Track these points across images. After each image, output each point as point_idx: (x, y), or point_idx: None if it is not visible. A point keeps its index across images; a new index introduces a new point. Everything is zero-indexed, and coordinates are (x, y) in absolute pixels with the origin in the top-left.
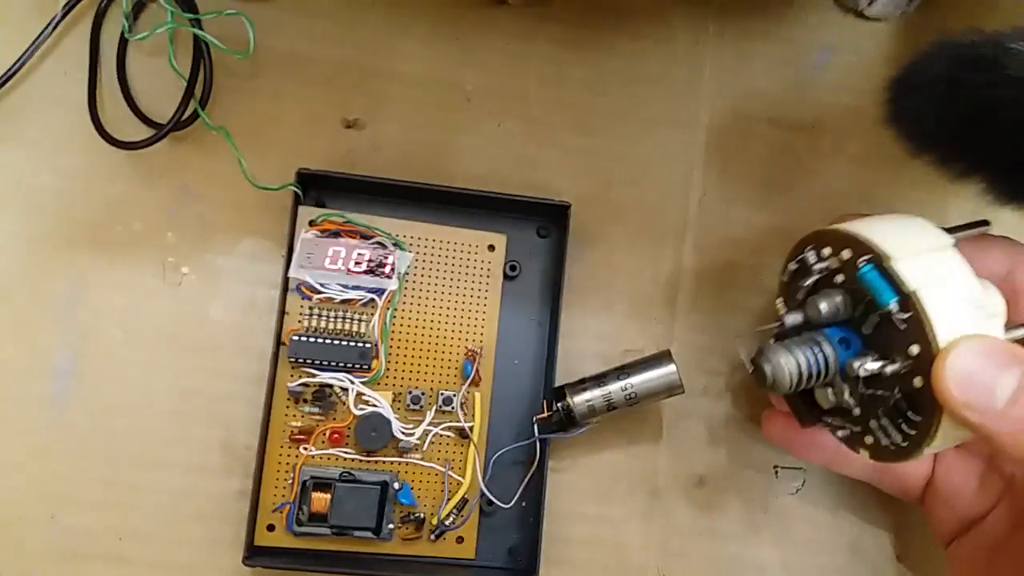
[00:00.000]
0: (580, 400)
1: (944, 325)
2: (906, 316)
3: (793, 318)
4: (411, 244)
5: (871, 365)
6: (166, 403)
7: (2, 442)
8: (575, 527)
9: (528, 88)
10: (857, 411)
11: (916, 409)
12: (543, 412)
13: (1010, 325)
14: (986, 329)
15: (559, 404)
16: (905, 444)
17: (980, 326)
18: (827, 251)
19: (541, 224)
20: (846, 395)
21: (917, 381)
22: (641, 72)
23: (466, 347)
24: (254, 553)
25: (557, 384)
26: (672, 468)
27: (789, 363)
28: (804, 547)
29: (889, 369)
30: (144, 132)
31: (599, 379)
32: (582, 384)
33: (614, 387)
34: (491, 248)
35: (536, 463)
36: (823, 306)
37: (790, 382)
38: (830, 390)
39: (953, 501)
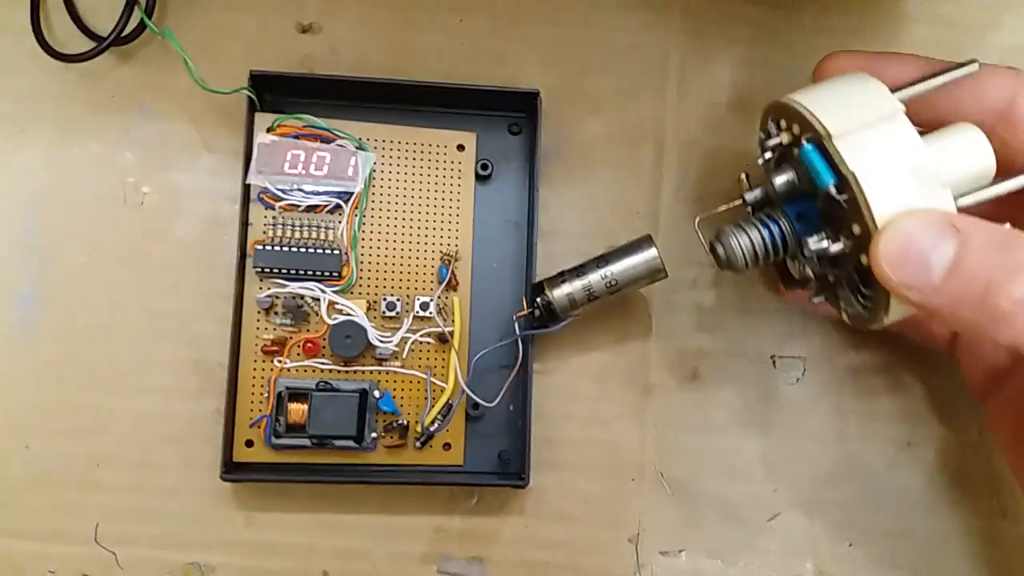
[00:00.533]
0: (560, 293)
1: (882, 204)
2: (845, 197)
3: (752, 195)
4: (376, 146)
5: (815, 245)
6: (135, 325)
7: None
8: (567, 429)
9: None
10: (822, 282)
11: (867, 284)
12: (524, 309)
13: (1002, 171)
14: (931, 202)
15: (539, 299)
16: (867, 314)
17: (924, 199)
18: (783, 123)
19: (512, 120)
20: (807, 269)
21: (863, 259)
22: None
23: (441, 251)
24: (232, 469)
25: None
26: (664, 363)
27: (743, 242)
28: (808, 438)
29: (834, 248)
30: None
31: (578, 270)
32: (561, 277)
33: (594, 276)
34: (460, 148)
35: (520, 362)
36: (778, 181)
37: (744, 261)
38: (794, 263)
39: (977, 349)
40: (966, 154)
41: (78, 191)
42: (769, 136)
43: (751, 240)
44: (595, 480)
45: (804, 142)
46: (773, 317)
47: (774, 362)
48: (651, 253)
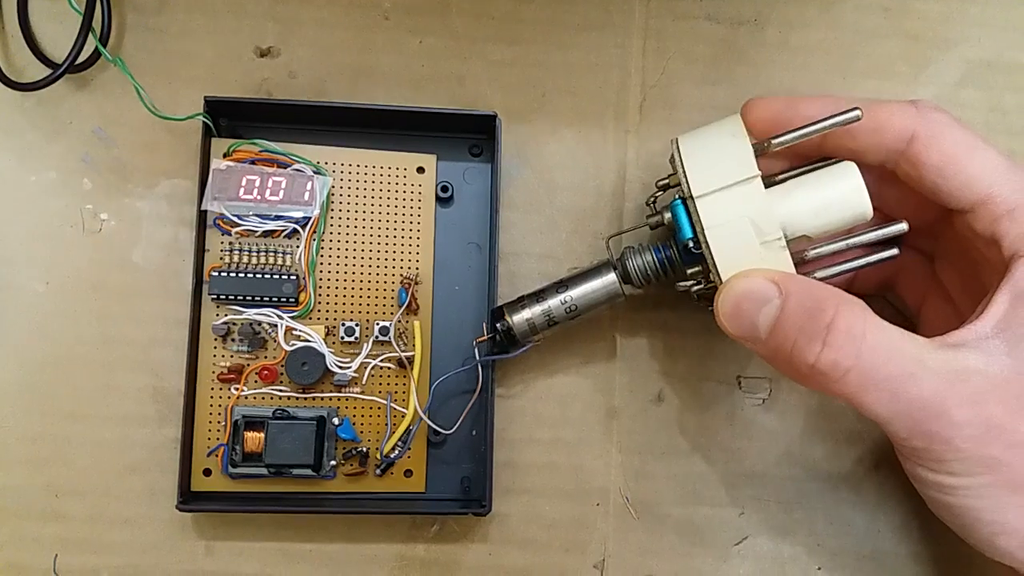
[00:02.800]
0: (519, 319)
1: (726, 262)
2: (699, 251)
3: (654, 219)
4: (334, 171)
5: (684, 283)
6: (93, 353)
7: None
8: (531, 453)
9: (449, 1)
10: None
11: None
12: (484, 335)
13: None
14: (769, 262)
15: (498, 324)
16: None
17: (763, 260)
18: (674, 165)
19: (472, 142)
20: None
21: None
22: None
23: (401, 274)
24: (190, 498)
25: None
26: (629, 386)
27: (636, 262)
28: (774, 460)
29: (696, 289)
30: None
31: (538, 295)
32: (521, 302)
33: (554, 301)
34: (420, 170)
35: (480, 387)
36: (666, 216)
37: (643, 277)
38: (681, 286)
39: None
40: (832, 201)
41: (36, 218)
42: (672, 170)
43: (643, 261)
44: (560, 505)
45: (676, 196)
46: None
47: (740, 383)
48: (610, 278)
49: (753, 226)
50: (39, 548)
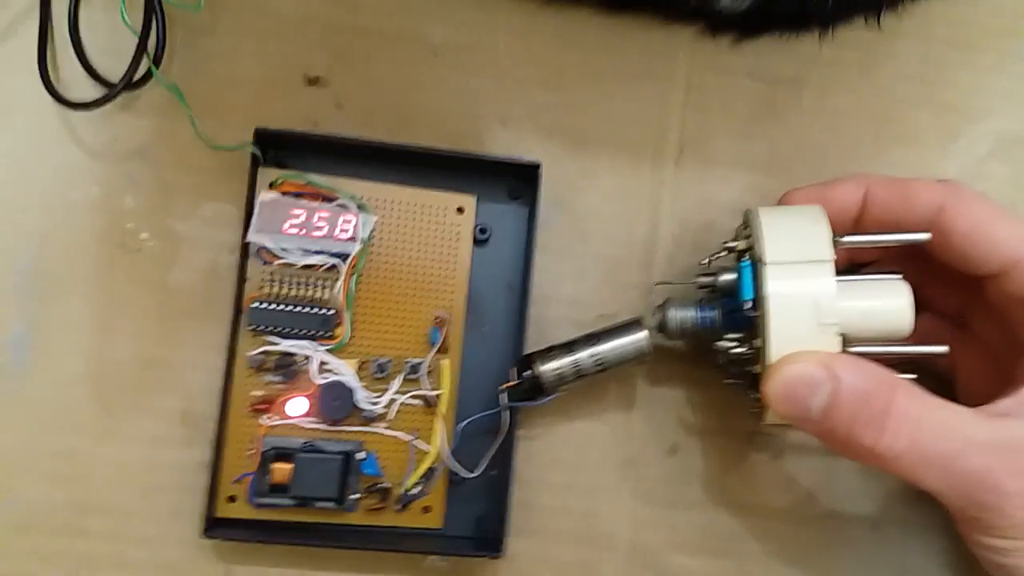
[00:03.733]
0: (548, 368)
1: (779, 332)
2: (755, 315)
3: (703, 280)
4: (376, 206)
5: (723, 343)
6: (126, 373)
7: None
8: (545, 496)
9: (497, 41)
10: (735, 369)
11: (756, 388)
12: (511, 380)
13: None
14: (820, 343)
15: (527, 372)
16: (755, 409)
17: (816, 340)
18: (747, 230)
19: (512, 186)
20: (723, 355)
21: (757, 368)
22: (615, 24)
23: (434, 314)
24: (214, 525)
25: (527, 351)
26: (645, 435)
27: (678, 315)
28: (779, 516)
29: (735, 351)
30: (100, 92)
31: (568, 347)
32: (550, 352)
33: (583, 354)
34: (460, 211)
35: (504, 432)
36: (722, 278)
37: (677, 331)
38: (720, 345)
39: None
40: (879, 312)
41: (77, 234)
42: (736, 237)
43: (686, 316)
44: (571, 548)
45: (746, 257)
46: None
47: (751, 439)
48: (641, 335)
49: (815, 305)
50: (60, 563)
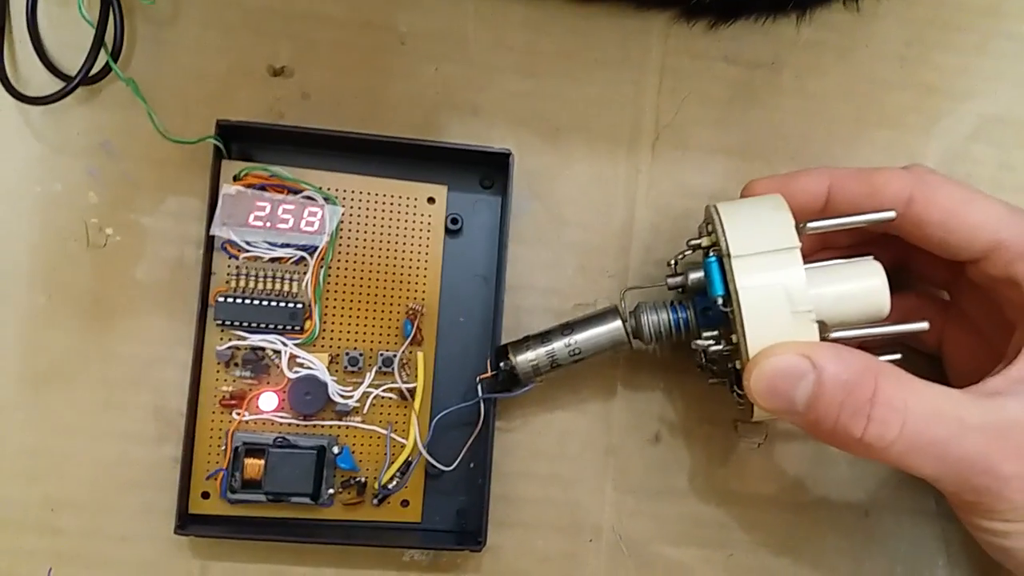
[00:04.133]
0: (523, 359)
1: (755, 325)
2: (728, 310)
3: (674, 280)
4: (345, 198)
5: (701, 341)
6: (94, 369)
7: None
8: (526, 487)
9: (466, 29)
10: (717, 367)
11: (739, 384)
12: (487, 372)
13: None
14: (798, 332)
15: (502, 363)
16: (742, 406)
17: (792, 330)
18: (709, 227)
19: (484, 174)
20: (702, 355)
21: (738, 364)
22: (587, 10)
23: (407, 305)
24: (187, 522)
25: (502, 342)
26: (626, 425)
27: (651, 319)
28: (765, 505)
29: (713, 349)
30: (60, 87)
31: (543, 337)
32: (526, 342)
33: (558, 344)
34: (431, 200)
35: (481, 423)
36: (691, 276)
37: (651, 336)
38: (698, 344)
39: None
40: (854, 295)
41: (40, 230)
42: (700, 234)
43: (658, 319)
44: (553, 540)
45: (711, 253)
46: None
47: (736, 427)
48: (615, 325)
49: (787, 294)
50: (33, 561)
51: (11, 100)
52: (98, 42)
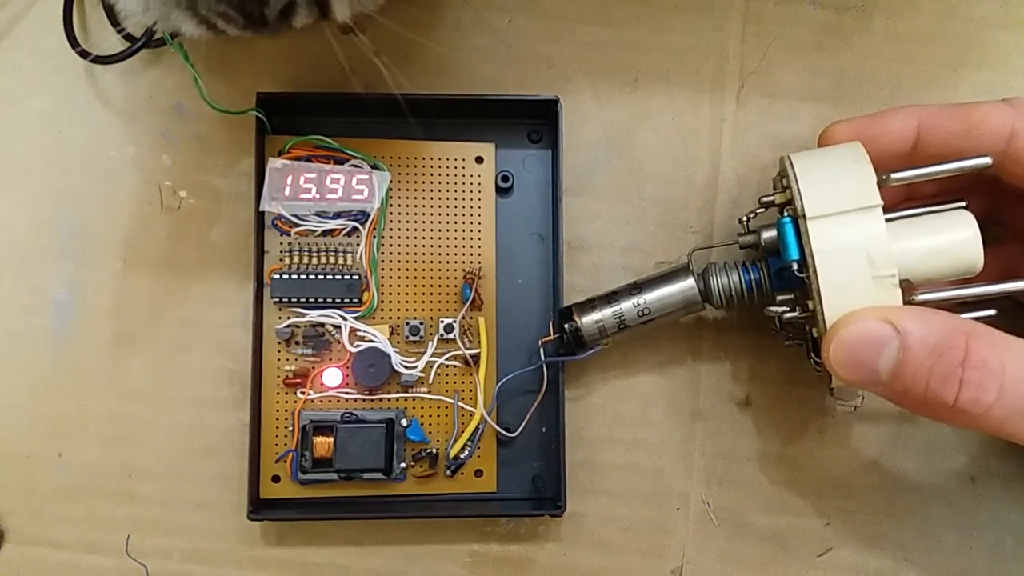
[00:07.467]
0: (589, 320)
1: (832, 291)
2: (804, 275)
3: (746, 239)
4: (391, 164)
5: (775, 308)
6: (170, 333)
7: (4, 379)
8: (609, 453)
9: None
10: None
11: (817, 352)
12: (549, 335)
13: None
14: (879, 297)
15: (566, 325)
16: (820, 373)
17: (873, 295)
18: (784, 181)
19: (531, 128)
20: (777, 317)
21: (815, 331)
22: None
23: (463, 269)
24: (259, 507)
25: (568, 303)
26: (714, 388)
27: (721, 281)
28: (863, 470)
29: (788, 316)
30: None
31: (610, 297)
32: (591, 303)
33: (626, 304)
34: (479, 160)
35: (545, 387)
36: (764, 235)
37: (725, 299)
38: (772, 310)
39: None
40: (943, 249)
41: (115, 194)
42: (774, 188)
43: (729, 281)
44: (638, 508)
45: (786, 212)
46: None
47: (831, 390)
48: (687, 283)
49: (867, 258)
50: (112, 528)
51: (83, 67)
52: None
